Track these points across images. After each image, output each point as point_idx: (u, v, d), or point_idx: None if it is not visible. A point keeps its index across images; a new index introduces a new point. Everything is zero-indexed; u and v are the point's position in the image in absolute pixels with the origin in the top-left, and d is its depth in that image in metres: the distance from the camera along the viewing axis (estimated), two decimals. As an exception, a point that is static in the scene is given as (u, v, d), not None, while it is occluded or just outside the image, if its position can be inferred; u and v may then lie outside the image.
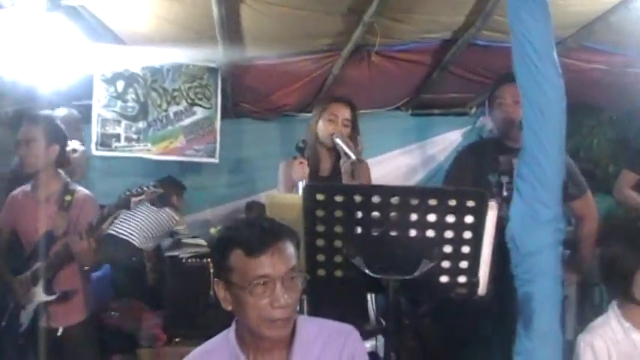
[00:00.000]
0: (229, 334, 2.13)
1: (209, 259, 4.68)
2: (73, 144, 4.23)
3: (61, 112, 4.44)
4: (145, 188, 3.67)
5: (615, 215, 5.20)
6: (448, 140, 6.79)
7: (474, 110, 6.86)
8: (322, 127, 3.76)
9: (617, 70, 5.30)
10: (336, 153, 3.78)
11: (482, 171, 3.79)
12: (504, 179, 3.70)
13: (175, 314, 5.11)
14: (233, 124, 6.40)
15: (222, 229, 2.14)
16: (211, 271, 4.49)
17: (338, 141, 3.62)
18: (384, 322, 3.75)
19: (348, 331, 2.20)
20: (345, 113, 3.76)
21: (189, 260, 5.13)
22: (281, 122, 6.45)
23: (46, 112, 3.88)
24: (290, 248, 2.01)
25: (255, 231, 1.98)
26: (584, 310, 5.11)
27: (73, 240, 3.61)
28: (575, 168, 3.87)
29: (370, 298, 3.81)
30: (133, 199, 3.60)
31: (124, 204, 3.63)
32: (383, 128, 6.62)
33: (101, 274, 5.00)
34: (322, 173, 3.83)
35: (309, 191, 2.43)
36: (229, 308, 2.04)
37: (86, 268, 3.83)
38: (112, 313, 5.05)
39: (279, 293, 1.95)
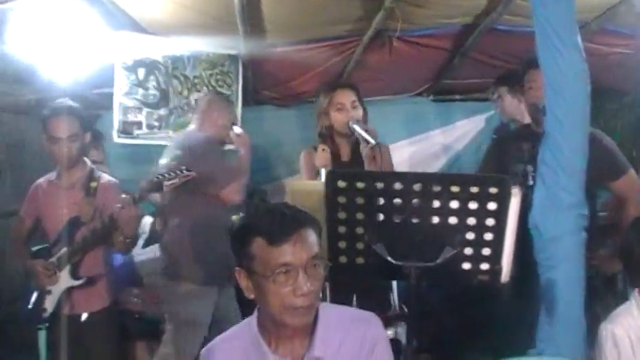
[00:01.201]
0: (252, 321, 2.14)
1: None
2: (236, 129, 4.46)
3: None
4: (178, 172, 3.69)
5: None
6: (469, 126, 6.74)
7: (495, 95, 6.81)
8: (334, 118, 3.76)
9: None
10: (354, 139, 3.78)
11: (507, 161, 3.75)
12: (529, 168, 3.64)
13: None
14: (253, 110, 6.39)
15: (242, 216, 2.13)
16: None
17: (356, 127, 3.63)
18: (406, 309, 3.76)
19: (370, 318, 2.20)
20: (350, 96, 3.77)
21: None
22: (301, 109, 6.42)
23: (65, 100, 3.87)
24: (312, 236, 2.00)
25: (276, 218, 1.97)
26: (607, 297, 5.08)
27: (123, 207, 3.62)
28: (614, 146, 3.75)
29: (392, 284, 3.81)
30: (166, 183, 3.62)
31: (157, 187, 3.65)
32: (404, 114, 6.61)
33: (123, 261, 5.02)
34: (343, 159, 3.84)
35: (331, 178, 2.43)
36: (252, 297, 2.04)
37: (128, 239, 3.82)
38: (135, 299, 5.07)
39: (302, 281, 1.94)
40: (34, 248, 4.00)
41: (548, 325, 2.98)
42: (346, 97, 3.76)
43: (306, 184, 3.51)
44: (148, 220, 5.87)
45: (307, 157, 3.87)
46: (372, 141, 3.53)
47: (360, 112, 3.76)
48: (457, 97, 6.89)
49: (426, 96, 6.82)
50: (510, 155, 3.77)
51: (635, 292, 2.68)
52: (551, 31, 2.83)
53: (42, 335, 4.14)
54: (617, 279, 5.03)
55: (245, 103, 5.86)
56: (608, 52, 5.20)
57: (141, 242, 5.73)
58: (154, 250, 5.67)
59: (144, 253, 5.63)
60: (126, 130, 5.30)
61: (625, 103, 6.45)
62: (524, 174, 3.64)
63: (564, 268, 2.93)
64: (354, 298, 3.54)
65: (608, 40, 5.11)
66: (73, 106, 3.81)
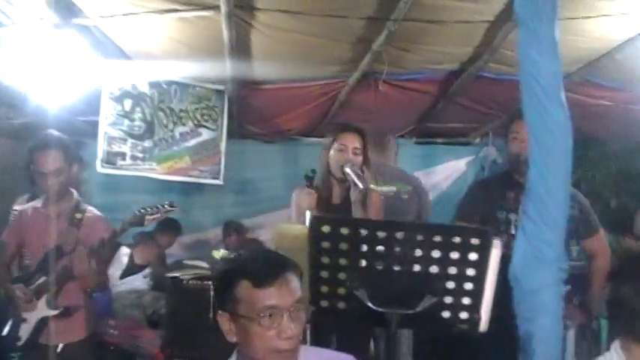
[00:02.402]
0: (231, 364, 2.14)
1: (210, 282, 4.68)
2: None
3: None
4: (160, 207, 3.68)
5: (629, 252, 5.14)
6: (451, 169, 6.83)
7: (477, 140, 6.90)
8: (333, 157, 3.73)
9: (621, 106, 5.34)
10: (348, 184, 3.74)
11: (491, 207, 3.77)
12: (512, 217, 3.68)
13: (174, 334, 5.10)
14: (238, 145, 6.42)
15: (227, 260, 2.14)
16: (212, 293, 4.49)
17: (347, 171, 3.59)
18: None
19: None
20: (354, 142, 3.73)
21: (190, 282, 5.13)
22: (286, 145, 6.48)
23: (51, 132, 3.81)
24: (295, 280, 2.02)
25: (262, 262, 2.01)
26: (583, 338, 5.08)
27: (77, 262, 3.60)
28: (588, 207, 3.87)
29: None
30: (148, 217, 3.62)
31: (139, 221, 3.64)
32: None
33: (101, 292, 5.00)
34: (334, 201, 3.81)
35: (316, 222, 2.44)
36: (234, 340, 2.04)
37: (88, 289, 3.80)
38: (111, 330, 5.03)
39: (287, 324, 1.96)
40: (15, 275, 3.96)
41: (525, 378, 2.99)
42: (350, 141, 3.72)
43: (292, 227, 3.49)
44: (125, 251, 5.86)
45: (298, 195, 3.83)
46: (361, 185, 3.49)
47: (359, 160, 3.69)
48: (440, 140, 6.96)
49: (409, 138, 6.89)
50: (494, 201, 3.79)
51: (617, 345, 2.65)
52: (538, 88, 2.86)
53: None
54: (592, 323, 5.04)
55: (229, 137, 5.87)
56: (590, 103, 5.29)
57: (118, 273, 5.73)
58: (131, 282, 5.68)
59: (121, 284, 5.62)
60: (110, 160, 5.29)
61: (606, 152, 6.54)
62: (507, 222, 3.69)
63: (543, 320, 2.93)
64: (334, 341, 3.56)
65: (590, 91, 5.20)
66: (58, 138, 3.74)
